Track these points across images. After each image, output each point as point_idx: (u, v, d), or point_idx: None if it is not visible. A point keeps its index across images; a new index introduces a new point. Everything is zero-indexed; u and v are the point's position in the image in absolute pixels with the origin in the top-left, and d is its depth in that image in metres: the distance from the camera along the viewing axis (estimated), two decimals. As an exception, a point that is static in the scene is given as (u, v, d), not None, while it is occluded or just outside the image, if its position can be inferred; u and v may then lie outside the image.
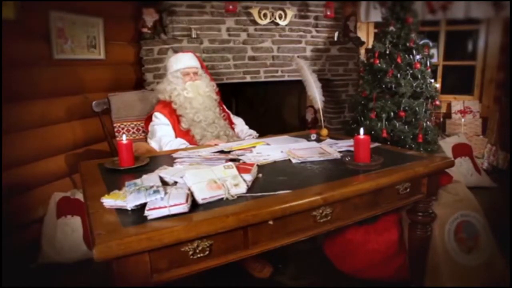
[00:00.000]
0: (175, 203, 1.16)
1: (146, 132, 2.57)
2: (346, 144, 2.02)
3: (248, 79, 3.75)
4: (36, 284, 2.20)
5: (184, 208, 1.17)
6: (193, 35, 3.45)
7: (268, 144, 2.10)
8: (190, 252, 1.14)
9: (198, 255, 1.16)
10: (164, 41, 3.36)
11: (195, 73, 2.41)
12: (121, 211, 1.21)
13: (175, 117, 2.37)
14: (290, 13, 3.79)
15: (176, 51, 3.31)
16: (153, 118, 2.40)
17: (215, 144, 2.13)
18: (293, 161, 1.77)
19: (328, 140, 2.21)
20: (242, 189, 1.35)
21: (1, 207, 2.31)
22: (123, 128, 2.65)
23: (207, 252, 1.17)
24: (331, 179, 1.52)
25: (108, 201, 1.25)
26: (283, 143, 2.10)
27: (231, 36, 3.62)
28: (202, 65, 2.55)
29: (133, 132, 2.68)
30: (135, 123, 2.69)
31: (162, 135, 2.32)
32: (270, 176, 1.55)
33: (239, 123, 2.67)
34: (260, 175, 1.56)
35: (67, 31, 2.77)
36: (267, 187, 1.40)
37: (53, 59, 2.69)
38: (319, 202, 1.35)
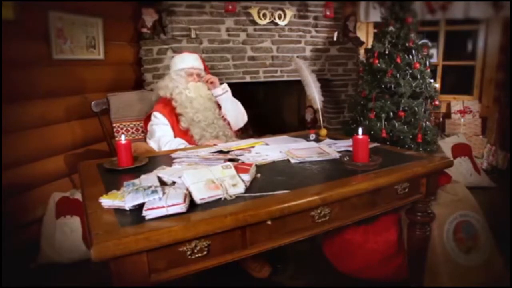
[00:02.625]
0: (173, 203, 1.17)
1: (145, 132, 2.57)
2: (345, 144, 2.02)
3: (247, 79, 3.76)
4: (36, 284, 2.20)
5: (182, 208, 1.17)
6: (193, 35, 3.45)
7: (267, 144, 2.10)
8: (188, 252, 1.14)
9: (196, 255, 1.16)
10: (164, 41, 3.36)
11: (198, 75, 2.43)
12: (119, 211, 1.21)
13: (174, 117, 2.38)
14: (290, 13, 3.80)
15: (175, 51, 3.32)
16: (152, 117, 2.40)
17: (214, 144, 2.14)
18: (292, 161, 1.77)
19: (327, 140, 2.21)
20: (240, 189, 1.35)
21: (1, 207, 2.31)
22: (122, 128, 2.65)
23: (205, 252, 1.17)
24: (330, 179, 1.52)
25: (106, 201, 1.25)
26: (282, 143, 2.10)
27: (230, 36, 3.62)
28: (205, 67, 2.56)
29: (132, 132, 2.69)
30: (134, 123, 2.70)
31: (161, 135, 2.32)
32: (268, 176, 1.56)
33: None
34: (259, 175, 1.56)
35: (66, 31, 2.77)
36: (265, 187, 1.40)
37: (52, 59, 2.69)
38: (317, 202, 1.35)
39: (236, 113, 2.54)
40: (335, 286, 2.17)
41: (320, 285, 2.20)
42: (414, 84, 3.30)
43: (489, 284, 2.01)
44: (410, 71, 3.32)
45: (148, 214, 1.14)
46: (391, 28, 3.36)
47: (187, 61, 2.41)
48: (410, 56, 3.33)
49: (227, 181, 1.35)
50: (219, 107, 2.54)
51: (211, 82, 2.45)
